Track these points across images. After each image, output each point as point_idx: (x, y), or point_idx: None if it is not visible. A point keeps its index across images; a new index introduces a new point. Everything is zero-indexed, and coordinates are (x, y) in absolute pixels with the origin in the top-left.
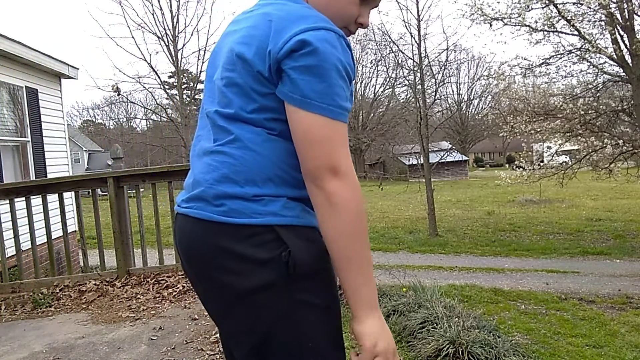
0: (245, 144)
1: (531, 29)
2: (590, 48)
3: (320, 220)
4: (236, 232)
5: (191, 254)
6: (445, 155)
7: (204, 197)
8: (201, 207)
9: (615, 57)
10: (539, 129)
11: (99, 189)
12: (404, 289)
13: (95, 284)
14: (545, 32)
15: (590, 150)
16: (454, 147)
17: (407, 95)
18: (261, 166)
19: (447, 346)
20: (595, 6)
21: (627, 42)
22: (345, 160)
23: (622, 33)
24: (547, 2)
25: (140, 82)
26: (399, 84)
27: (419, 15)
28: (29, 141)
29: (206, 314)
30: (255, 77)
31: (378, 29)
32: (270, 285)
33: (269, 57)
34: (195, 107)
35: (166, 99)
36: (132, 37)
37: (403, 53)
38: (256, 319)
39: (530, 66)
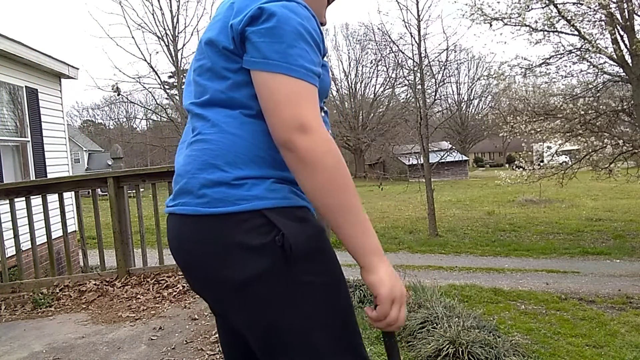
0: (223, 127)
1: (531, 29)
2: (590, 48)
3: (300, 182)
4: (224, 223)
5: (182, 253)
6: (445, 155)
7: (187, 189)
8: (185, 202)
9: (615, 57)
10: (539, 129)
11: (99, 189)
12: None
13: (95, 284)
14: (545, 32)
15: (590, 150)
16: (454, 147)
17: (407, 95)
18: (241, 148)
19: (447, 346)
20: (595, 6)
21: (627, 42)
22: (312, 116)
23: (622, 33)
24: (547, 2)
25: (140, 82)
26: (399, 84)
27: (419, 15)
28: (29, 141)
29: (206, 313)
30: (223, 54)
31: (378, 29)
32: (268, 272)
33: (232, 30)
34: None
35: (166, 99)
36: (132, 37)
37: (403, 53)
38: (261, 309)
39: (530, 66)
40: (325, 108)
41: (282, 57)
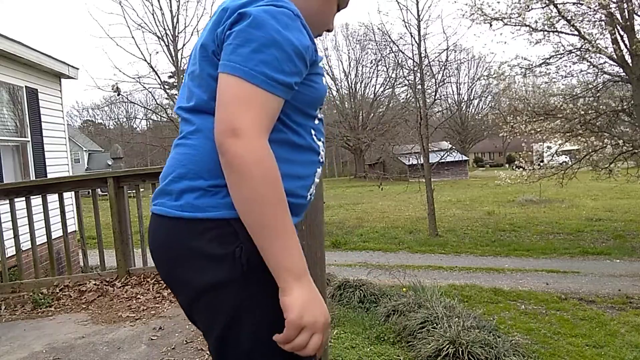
0: (206, 134)
1: (531, 29)
2: (590, 48)
3: (229, 190)
4: (193, 227)
5: (155, 251)
6: (445, 155)
7: (166, 190)
8: (163, 202)
9: (615, 57)
10: (539, 129)
11: (99, 189)
12: (404, 289)
13: (95, 284)
14: (545, 32)
15: (590, 150)
16: (454, 147)
17: (407, 95)
18: None
19: (447, 346)
20: (595, 6)
21: (627, 42)
22: (250, 122)
23: (622, 33)
24: (547, 2)
25: (140, 82)
26: (399, 84)
27: (419, 15)
28: (29, 141)
29: None
30: (210, 60)
31: (378, 29)
32: (225, 282)
33: (217, 38)
34: None
35: (166, 99)
36: (132, 37)
37: (403, 53)
38: (214, 317)
39: (530, 66)
40: (321, 115)
41: (243, 61)
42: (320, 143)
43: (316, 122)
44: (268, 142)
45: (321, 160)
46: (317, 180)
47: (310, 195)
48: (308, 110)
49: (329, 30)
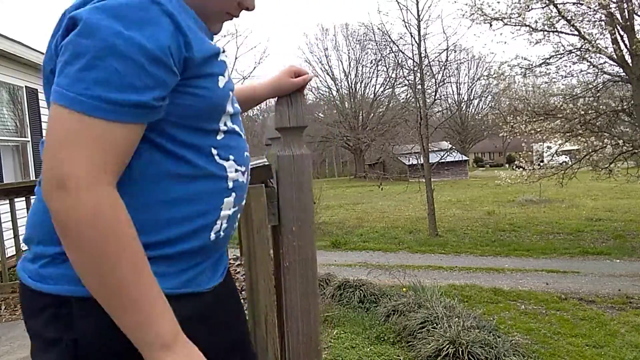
0: None
1: (531, 29)
2: (590, 48)
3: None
4: (35, 301)
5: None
6: (445, 155)
7: (27, 241)
8: (22, 261)
9: (615, 57)
10: (539, 129)
11: None
12: (404, 289)
13: None
14: (545, 32)
15: (590, 150)
16: (454, 147)
17: (407, 95)
18: None
19: (447, 346)
20: (595, 6)
21: (627, 42)
22: (79, 169)
23: (622, 33)
24: (547, 2)
25: None
26: (399, 84)
27: (419, 15)
28: (29, 141)
29: None
30: (51, 83)
31: (378, 29)
32: None
33: (53, 53)
34: None
35: None
36: None
37: (403, 53)
38: None
39: (530, 66)
40: (229, 126)
41: (70, 84)
42: (227, 163)
43: (220, 137)
44: (114, 187)
45: (230, 186)
46: (228, 212)
47: (217, 233)
48: (200, 124)
49: (247, 9)
